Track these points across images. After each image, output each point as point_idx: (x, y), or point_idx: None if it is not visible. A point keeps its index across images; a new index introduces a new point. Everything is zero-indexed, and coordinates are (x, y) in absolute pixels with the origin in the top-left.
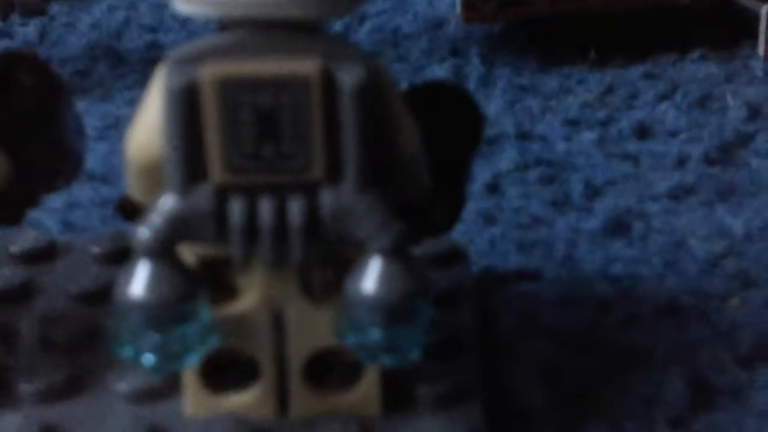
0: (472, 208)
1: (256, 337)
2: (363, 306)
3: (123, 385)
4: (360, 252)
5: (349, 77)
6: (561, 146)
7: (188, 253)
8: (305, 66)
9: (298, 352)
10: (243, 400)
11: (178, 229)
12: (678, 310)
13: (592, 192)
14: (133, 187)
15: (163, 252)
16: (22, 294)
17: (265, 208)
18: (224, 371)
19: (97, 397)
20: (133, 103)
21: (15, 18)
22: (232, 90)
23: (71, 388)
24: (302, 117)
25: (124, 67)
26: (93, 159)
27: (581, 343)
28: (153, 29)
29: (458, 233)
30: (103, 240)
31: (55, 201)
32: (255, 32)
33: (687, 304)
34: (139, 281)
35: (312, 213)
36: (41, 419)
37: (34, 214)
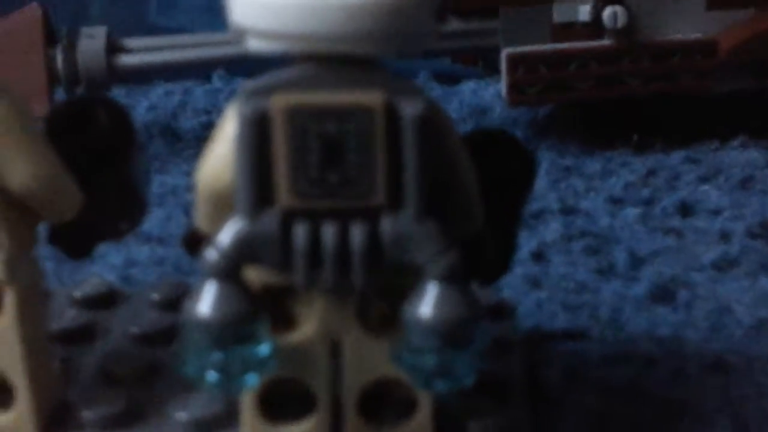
0: (518, 273)
1: (313, 367)
2: (419, 330)
3: (182, 414)
4: (417, 281)
5: (410, 108)
6: (605, 221)
7: (252, 282)
8: (370, 97)
9: (353, 383)
10: (298, 430)
11: (244, 252)
12: (724, 368)
13: (637, 262)
14: (200, 218)
15: (229, 273)
16: (84, 334)
17: (328, 233)
18: (281, 403)
19: (158, 426)
20: (188, 174)
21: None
22: (300, 118)
23: (132, 416)
24: (366, 145)
25: (180, 144)
26: (150, 223)
27: (628, 396)
28: (207, 111)
29: (505, 295)
30: (161, 288)
31: (115, 258)
32: (322, 66)
33: (732, 363)
34: (205, 300)
35: (373, 238)
36: None
37: (94, 269)
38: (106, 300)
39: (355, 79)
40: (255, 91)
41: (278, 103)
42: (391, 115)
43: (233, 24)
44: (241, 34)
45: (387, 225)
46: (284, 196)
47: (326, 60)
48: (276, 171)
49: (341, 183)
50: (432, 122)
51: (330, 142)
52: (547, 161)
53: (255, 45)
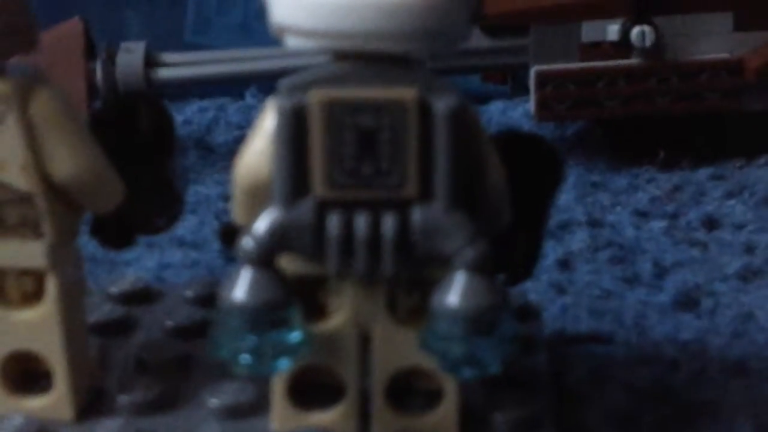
0: (544, 280)
1: (343, 356)
2: (446, 317)
3: (214, 401)
4: (445, 271)
5: (442, 104)
6: (630, 233)
7: (286, 272)
8: (403, 92)
9: (382, 372)
10: (327, 417)
11: (279, 239)
12: (746, 372)
13: (662, 271)
14: (237, 210)
15: (264, 260)
16: (119, 328)
17: (361, 223)
18: (311, 391)
19: (190, 411)
20: (222, 184)
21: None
22: (336, 112)
23: (165, 402)
24: (399, 138)
25: (214, 156)
26: (184, 228)
27: (652, 395)
28: (240, 126)
29: (531, 300)
30: (195, 285)
31: (149, 261)
32: (357, 63)
33: (755, 367)
34: (240, 286)
35: (404, 228)
36: (138, 426)
37: (129, 270)
38: (141, 296)
39: (389, 76)
40: (293, 87)
41: (316, 97)
42: (424, 110)
43: (273, 23)
44: (279, 35)
45: (417, 216)
46: (319, 186)
47: (362, 57)
48: (312, 162)
49: (374, 174)
50: (462, 118)
51: (364, 135)
52: (574, 177)
53: (293, 42)
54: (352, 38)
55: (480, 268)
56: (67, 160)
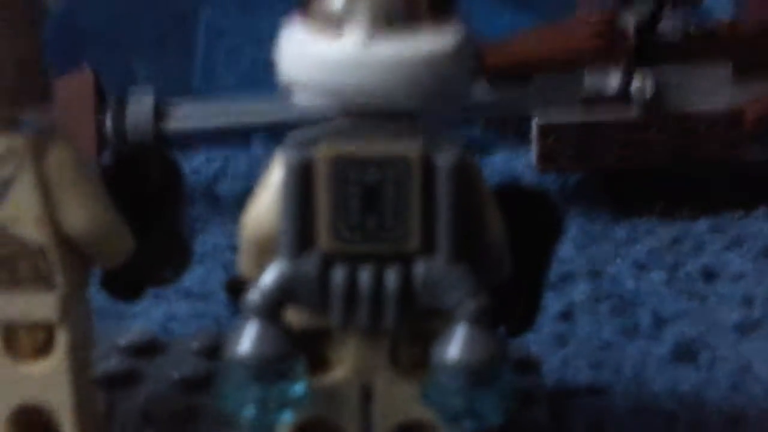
0: (545, 331)
1: (346, 408)
2: (447, 370)
3: None
4: (446, 324)
5: (445, 159)
6: (630, 284)
7: (290, 325)
8: (407, 148)
9: (384, 425)
10: None
11: (285, 292)
12: (744, 424)
13: (661, 323)
14: (244, 263)
15: (270, 312)
16: (126, 380)
17: (365, 276)
18: None
19: None
20: (228, 234)
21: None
22: (342, 167)
23: None
24: (403, 193)
25: (220, 206)
26: (191, 279)
27: None
28: (247, 176)
29: (532, 351)
30: (201, 337)
31: (155, 313)
32: (362, 119)
33: (753, 419)
34: (246, 338)
35: (406, 281)
36: None
37: (136, 322)
38: (148, 348)
39: (394, 132)
40: (300, 142)
41: (322, 152)
42: (427, 165)
43: (281, 77)
44: (288, 89)
45: (420, 269)
46: (325, 240)
47: (367, 113)
48: (318, 216)
49: (378, 228)
50: (464, 173)
51: (369, 190)
52: (575, 227)
53: (301, 98)
54: (358, 94)
55: (480, 321)
56: (80, 214)
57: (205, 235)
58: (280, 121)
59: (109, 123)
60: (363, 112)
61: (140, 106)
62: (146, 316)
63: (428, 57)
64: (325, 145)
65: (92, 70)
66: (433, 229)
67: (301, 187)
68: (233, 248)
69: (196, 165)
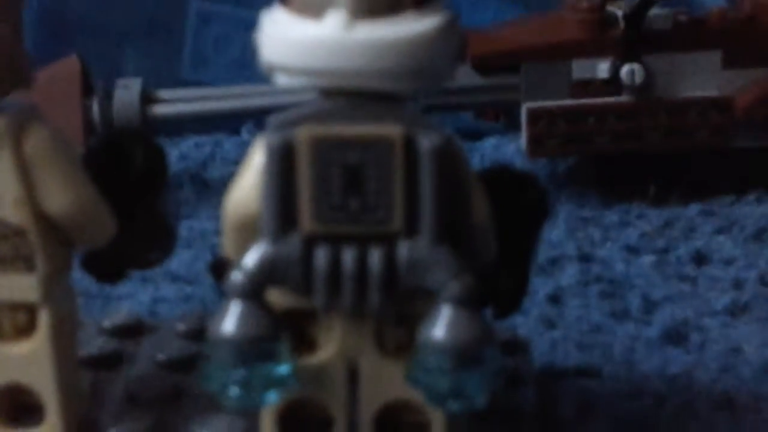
0: (534, 314)
1: (332, 389)
2: (432, 351)
3: None
4: (431, 305)
5: (427, 141)
6: (620, 268)
7: (275, 306)
8: (390, 129)
9: (370, 405)
10: None
11: (268, 273)
12: (733, 406)
13: (651, 306)
14: (227, 244)
15: (253, 294)
16: (111, 361)
17: (348, 257)
18: (300, 424)
19: None
20: (217, 219)
21: None
22: (324, 148)
23: None
24: (385, 174)
25: (209, 191)
26: (178, 263)
27: (639, 430)
28: (236, 162)
29: (520, 333)
30: (186, 319)
31: (143, 295)
32: (344, 101)
33: (742, 401)
34: (229, 319)
35: (390, 262)
36: None
37: (123, 305)
38: (133, 330)
39: (376, 113)
40: (281, 124)
41: (303, 134)
42: (410, 146)
43: (262, 61)
44: (269, 72)
45: (403, 250)
46: (307, 221)
47: (349, 95)
48: (300, 198)
49: (361, 210)
50: (447, 154)
51: (351, 172)
52: (565, 212)
53: (282, 80)
54: (338, 76)
55: (465, 302)
56: (60, 195)
57: (194, 220)
58: (269, 107)
59: (96, 109)
60: (345, 94)
61: (127, 92)
62: (134, 299)
63: (410, 39)
64: (306, 126)
65: (78, 57)
66: (417, 211)
67: (282, 168)
68: (221, 233)
69: (185, 150)
